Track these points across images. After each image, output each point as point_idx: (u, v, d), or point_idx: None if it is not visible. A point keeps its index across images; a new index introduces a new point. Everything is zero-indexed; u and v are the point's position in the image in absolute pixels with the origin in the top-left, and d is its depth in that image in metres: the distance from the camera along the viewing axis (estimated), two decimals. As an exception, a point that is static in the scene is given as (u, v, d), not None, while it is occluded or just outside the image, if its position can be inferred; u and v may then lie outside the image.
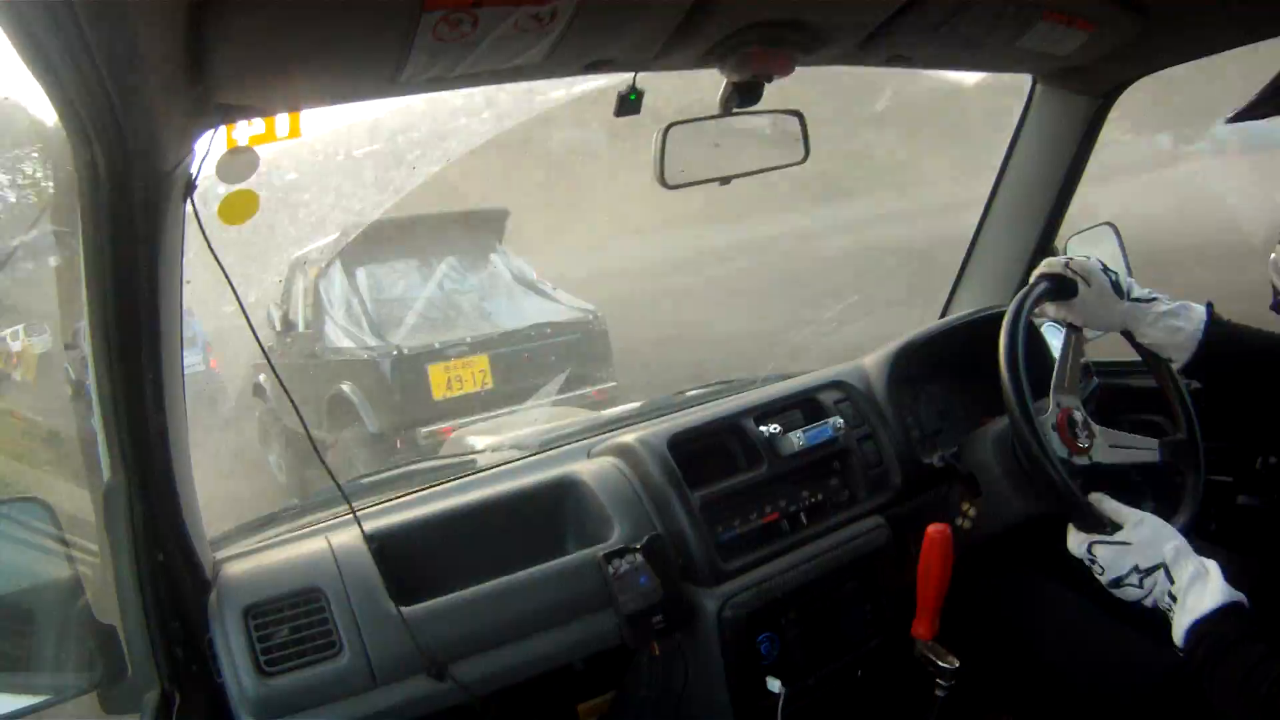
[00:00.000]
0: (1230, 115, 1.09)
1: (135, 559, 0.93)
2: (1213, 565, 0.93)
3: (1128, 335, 1.15)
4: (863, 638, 1.27)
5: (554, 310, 4.78)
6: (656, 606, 1.12)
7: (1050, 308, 1.15)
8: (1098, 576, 0.99)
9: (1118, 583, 0.97)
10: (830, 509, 1.32)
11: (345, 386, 4.36)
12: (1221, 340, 1.11)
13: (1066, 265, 1.13)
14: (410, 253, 4.79)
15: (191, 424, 1.02)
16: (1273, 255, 1.08)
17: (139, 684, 0.95)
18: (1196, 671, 0.90)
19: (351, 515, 1.10)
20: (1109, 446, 1.12)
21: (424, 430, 4.14)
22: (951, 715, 1.15)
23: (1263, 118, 1.07)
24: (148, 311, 0.85)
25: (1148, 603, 0.96)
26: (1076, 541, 1.01)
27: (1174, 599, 0.93)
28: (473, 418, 4.07)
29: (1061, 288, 1.12)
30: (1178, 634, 0.91)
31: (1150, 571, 0.95)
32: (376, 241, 4.44)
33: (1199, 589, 0.92)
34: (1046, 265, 1.15)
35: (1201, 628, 0.90)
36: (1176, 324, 1.11)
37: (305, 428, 1.22)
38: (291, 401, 1.16)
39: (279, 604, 1.01)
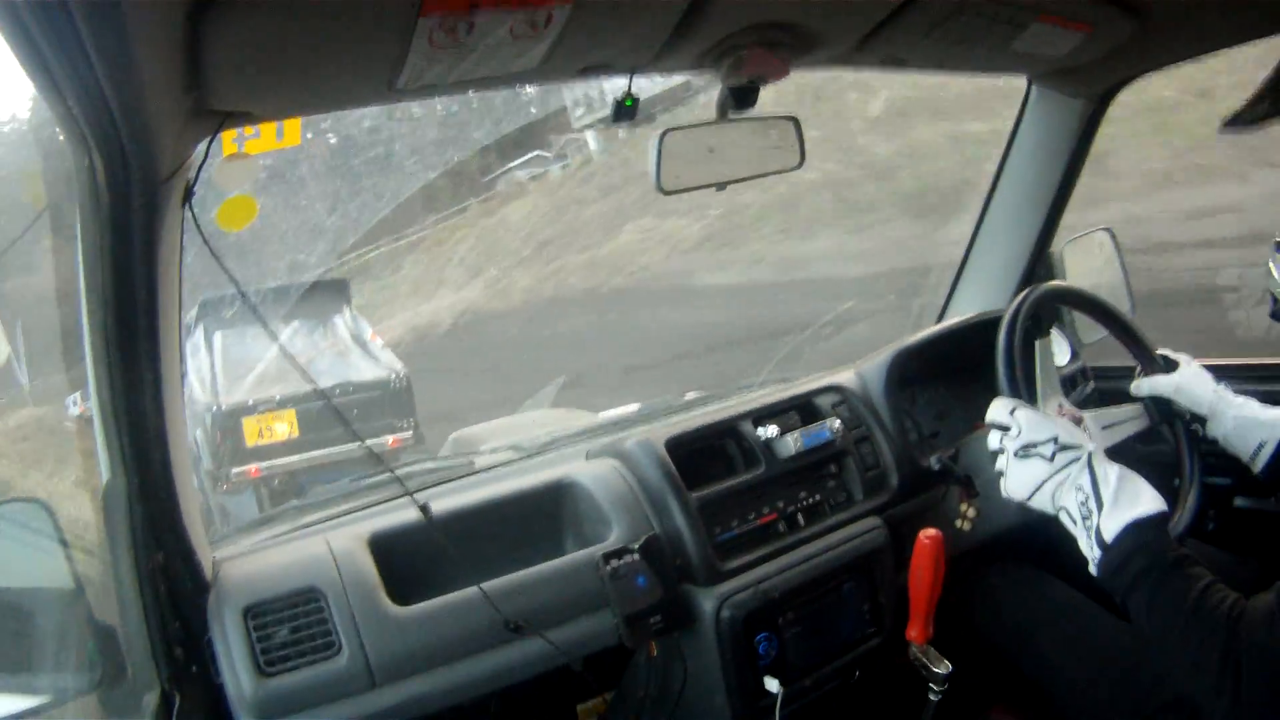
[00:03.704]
0: (1223, 124, 1.09)
1: (135, 560, 0.93)
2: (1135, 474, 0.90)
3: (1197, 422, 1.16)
4: (860, 638, 1.27)
5: (365, 369, 5.68)
6: (654, 607, 1.11)
7: (1152, 383, 1.18)
8: (1009, 442, 0.96)
9: (1028, 449, 0.94)
10: (828, 510, 1.32)
11: (197, 434, 5.40)
12: None
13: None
14: (267, 316, 5.55)
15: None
16: (1270, 263, 1.07)
17: (139, 685, 0.95)
18: (1131, 582, 0.86)
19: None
20: (1101, 430, 1.12)
21: (235, 470, 5.12)
22: (946, 717, 1.15)
23: (1257, 122, 1.07)
24: (146, 315, 0.85)
25: (1044, 494, 0.93)
26: (1001, 404, 0.99)
27: (1097, 495, 0.89)
28: (286, 459, 5.08)
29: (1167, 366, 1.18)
30: (1110, 529, 0.87)
31: (1066, 449, 0.92)
32: (234, 308, 5.37)
33: (1132, 489, 0.89)
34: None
35: (1135, 533, 0.86)
36: (1254, 417, 1.10)
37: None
38: None
39: (278, 604, 1.01)
